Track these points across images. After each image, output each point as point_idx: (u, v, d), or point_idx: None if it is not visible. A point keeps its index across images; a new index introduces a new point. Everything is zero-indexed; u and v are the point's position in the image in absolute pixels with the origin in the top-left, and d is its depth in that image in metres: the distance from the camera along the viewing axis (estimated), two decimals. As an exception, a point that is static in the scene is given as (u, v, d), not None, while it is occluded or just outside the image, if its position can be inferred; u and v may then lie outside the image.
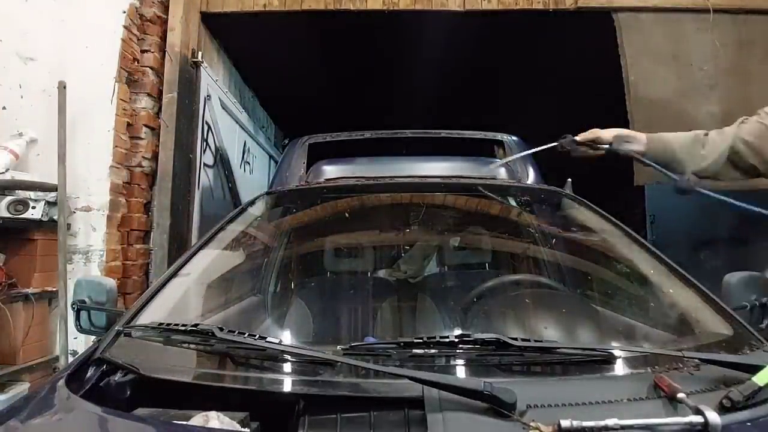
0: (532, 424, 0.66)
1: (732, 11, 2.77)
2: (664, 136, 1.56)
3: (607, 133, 1.56)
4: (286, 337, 1.31)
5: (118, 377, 0.90)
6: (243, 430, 0.71)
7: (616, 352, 0.86)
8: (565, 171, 1.96)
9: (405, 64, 3.71)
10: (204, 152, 3.04)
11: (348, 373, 0.80)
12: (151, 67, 2.66)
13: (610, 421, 0.64)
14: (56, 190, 2.24)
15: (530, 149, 2.27)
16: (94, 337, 1.29)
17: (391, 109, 4.41)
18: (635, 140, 1.54)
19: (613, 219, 1.46)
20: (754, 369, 0.74)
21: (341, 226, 1.84)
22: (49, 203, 2.23)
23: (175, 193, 2.69)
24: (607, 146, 1.54)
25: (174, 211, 2.68)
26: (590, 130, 1.58)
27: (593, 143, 1.57)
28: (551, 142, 1.73)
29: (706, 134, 1.52)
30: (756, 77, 2.76)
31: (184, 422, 0.71)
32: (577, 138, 1.59)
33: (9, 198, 2.12)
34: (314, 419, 0.73)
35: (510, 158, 2.05)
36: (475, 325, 1.30)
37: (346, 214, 1.82)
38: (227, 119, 3.52)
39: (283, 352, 0.85)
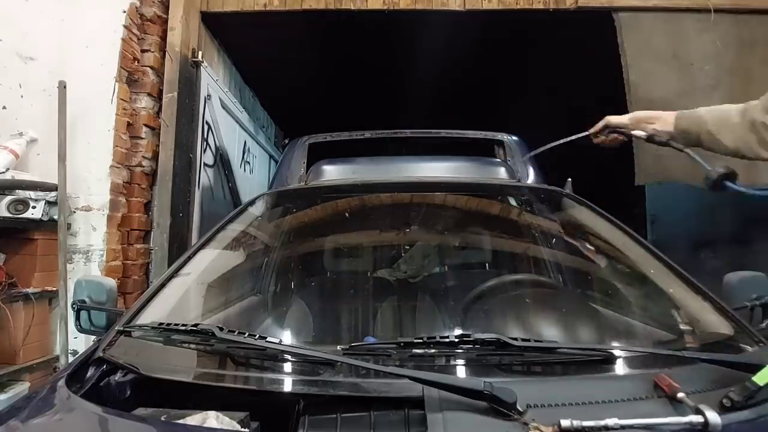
0: (532, 423, 0.66)
1: (733, 11, 2.77)
2: (696, 110, 1.35)
3: (621, 118, 1.45)
4: (287, 337, 1.31)
5: (118, 377, 0.90)
6: (243, 430, 0.71)
7: (616, 352, 0.86)
8: (566, 170, 1.96)
9: (405, 64, 3.71)
10: (204, 152, 3.04)
11: (348, 373, 0.80)
12: (151, 67, 2.66)
13: (611, 421, 0.64)
14: (56, 190, 2.24)
15: (529, 149, 2.28)
16: (94, 336, 1.29)
17: (391, 108, 4.40)
18: (659, 120, 1.37)
19: (614, 219, 1.46)
20: (755, 369, 0.74)
21: (341, 226, 1.83)
22: (49, 203, 2.23)
23: (175, 192, 2.69)
24: (624, 130, 1.43)
25: (174, 210, 2.68)
26: (603, 119, 1.50)
27: (612, 130, 1.47)
28: (554, 141, 1.70)
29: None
30: (757, 77, 2.75)
31: (184, 422, 0.71)
32: (591, 131, 1.53)
33: (9, 198, 2.12)
34: (314, 419, 0.73)
35: (545, 147, 1.84)
36: (476, 325, 1.30)
37: (346, 214, 1.82)
38: (227, 119, 3.51)
39: (283, 351, 0.85)
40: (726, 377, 0.77)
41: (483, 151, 2.47)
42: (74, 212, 2.38)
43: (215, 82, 3.21)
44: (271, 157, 4.90)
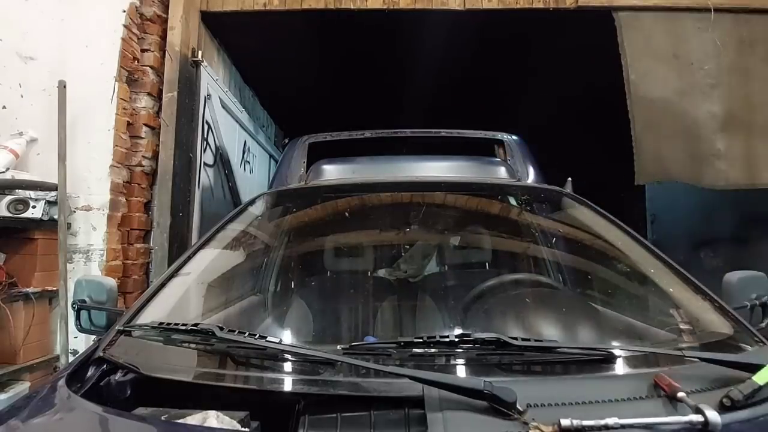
0: (532, 423, 0.66)
1: (733, 11, 2.77)
2: None
3: None
4: (287, 337, 1.31)
5: (118, 376, 0.90)
6: (243, 429, 0.71)
7: (616, 352, 0.86)
8: (566, 170, 1.95)
9: (405, 64, 3.71)
10: (204, 151, 3.03)
11: (348, 373, 0.80)
12: (151, 67, 2.66)
13: (611, 420, 0.64)
14: (56, 190, 2.24)
15: (529, 148, 2.27)
16: (94, 336, 1.29)
17: (391, 108, 4.40)
18: None
19: (614, 218, 1.46)
20: (755, 368, 0.74)
21: (341, 226, 1.83)
22: (49, 202, 2.23)
23: (175, 192, 2.68)
24: None
25: (174, 210, 2.68)
26: None
27: None
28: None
29: None
30: (757, 76, 2.75)
31: (185, 421, 0.71)
32: None
33: (9, 197, 2.11)
34: (314, 418, 0.73)
35: None
36: (476, 325, 1.30)
37: (346, 214, 1.82)
38: (227, 118, 3.51)
39: (284, 351, 0.85)
40: (726, 377, 0.77)
41: (483, 150, 2.47)
42: (74, 212, 2.38)
43: (215, 82, 3.21)
44: (271, 156, 4.90)
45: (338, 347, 0.87)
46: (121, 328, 1.02)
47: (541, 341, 0.85)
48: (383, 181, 1.85)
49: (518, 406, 0.68)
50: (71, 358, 2.16)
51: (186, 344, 0.94)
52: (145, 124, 2.63)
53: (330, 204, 1.81)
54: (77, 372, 0.91)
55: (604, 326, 1.24)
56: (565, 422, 0.64)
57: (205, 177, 3.08)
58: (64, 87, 2.31)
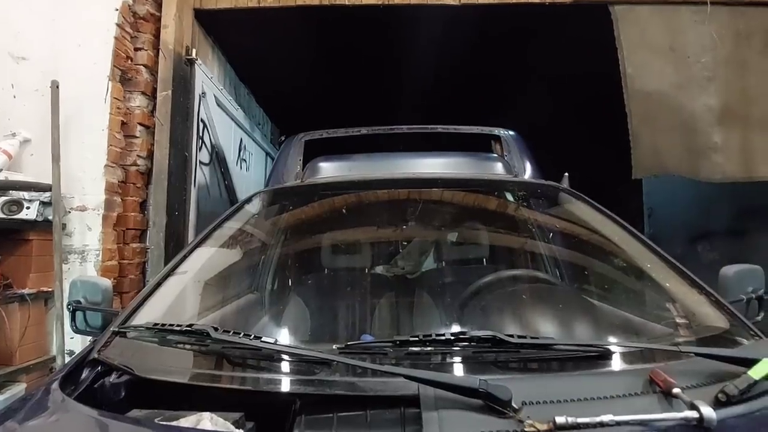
0: (527, 421, 0.66)
1: (729, 3, 2.76)
2: None
3: None
4: (283, 336, 1.30)
5: (113, 378, 0.89)
6: (237, 431, 0.71)
7: (612, 348, 0.86)
8: (563, 165, 1.95)
9: (401, 59, 3.69)
10: (200, 150, 3.02)
11: (344, 372, 0.80)
12: (144, 65, 2.64)
13: (606, 417, 0.64)
14: (51, 190, 2.22)
15: (526, 144, 2.27)
16: (90, 337, 1.29)
17: (387, 104, 4.39)
18: None
19: (610, 213, 1.45)
20: (750, 363, 0.74)
21: (338, 223, 1.83)
22: (43, 203, 2.21)
23: (170, 191, 2.67)
24: None
25: (170, 209, 2.67)
26: None
27: None
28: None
29: None
30: (754, 69, 2.75)
31: (178, 424, 0.71)
32: None
33: (3, 198, 2.10)
34: (310, 418, 0.72)
35: None
36: (473, 321, 1.30)
37: (343, 211, 1.81)
38: (223, 116, 3.50)
39: (279, 351, 0.85)
40: (721, 371, 0.77)
41: (480, 146, 2.46)
42: (69, 212, 2.37)
43: (210, 80, 3.19)
44: (267, 154, 4.89)
45: (334, 347, 0.87)
46: (116, 329, 1.01)
47: (537, 338, 0.85)
48: (380, 178, 1.84)
49: (513, 404, 0.68)
50: (67, 359, 2.15)
51: (181, 345, 0.94)
52: (140, 123, 2.61)
53: (326, 201, 1.80)
54: (71, 374, 0.90)
55: (600, 322, 1.24)
56: (560, 420, 0.64)
57: (201, 175, 3.06)
58: (57, 87, 2.29)
